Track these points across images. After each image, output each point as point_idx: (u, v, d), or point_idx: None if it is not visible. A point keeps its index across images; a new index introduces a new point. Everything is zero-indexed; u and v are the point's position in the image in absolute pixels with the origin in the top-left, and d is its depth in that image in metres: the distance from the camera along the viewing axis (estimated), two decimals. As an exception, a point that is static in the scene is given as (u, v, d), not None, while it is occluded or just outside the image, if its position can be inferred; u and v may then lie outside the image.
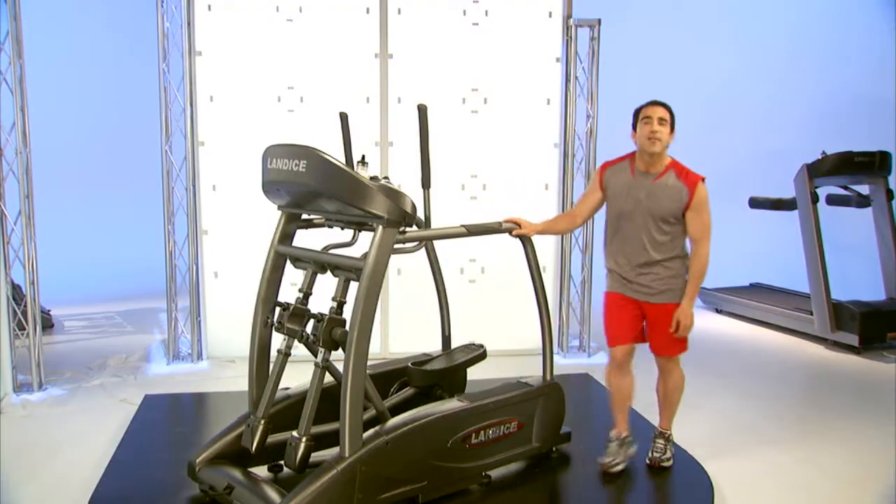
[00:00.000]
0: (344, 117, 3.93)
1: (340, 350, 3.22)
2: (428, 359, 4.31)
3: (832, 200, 7.24)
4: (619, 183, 3.92)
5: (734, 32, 10.16)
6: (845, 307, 6.56)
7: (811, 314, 6.83)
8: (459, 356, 4.36)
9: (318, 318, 3.30)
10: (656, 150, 3.78)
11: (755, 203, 7.69)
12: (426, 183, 3.46)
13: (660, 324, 3.93)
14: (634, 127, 3.88)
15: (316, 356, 3.33)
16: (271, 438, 3.44)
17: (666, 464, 4.04)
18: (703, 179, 3.82)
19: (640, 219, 3.84)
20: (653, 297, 3.89)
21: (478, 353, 4.36)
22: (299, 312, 3.41)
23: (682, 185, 3.78)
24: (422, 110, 3.44)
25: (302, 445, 3.22)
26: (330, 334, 3.24)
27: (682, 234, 3.86)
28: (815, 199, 6.78)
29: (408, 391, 4.16)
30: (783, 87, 9.98)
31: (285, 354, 3.45)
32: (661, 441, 4.10)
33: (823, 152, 6.69)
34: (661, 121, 3.78)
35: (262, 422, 3.38)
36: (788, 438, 4.56)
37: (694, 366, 6.00)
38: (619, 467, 3.94)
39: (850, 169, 6.64)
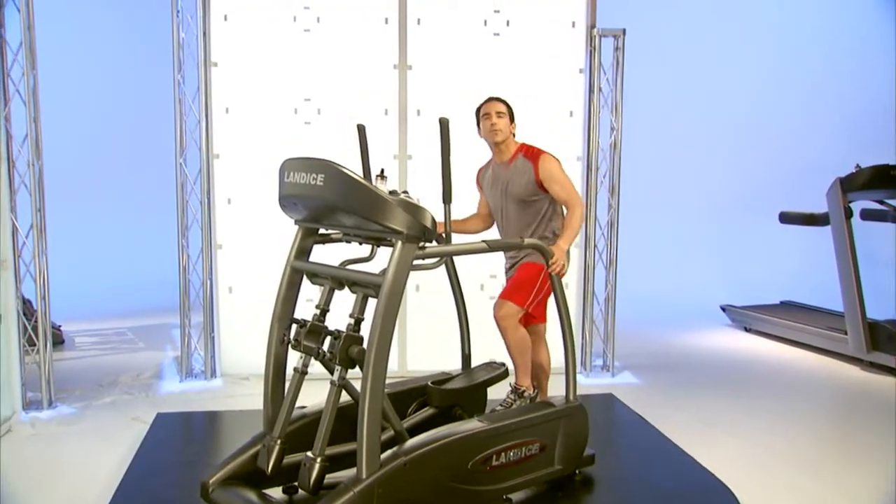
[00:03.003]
0: (361, 129, 3.97)
1: (358, 369, 3.23)
2: (447, 378, 4.32)
3: (867, 215, 7.19)
4: (487, 179, 4.47)
5: (762, 43, 10.16)
6: (882, 326, 6.50)
7: (845, 334, 6.77)
8: (480, 375, 4.36)
9: (335, 335, 3.31)
10: (499, 140, 4.31)
11: (786, 218, 7.65)
12: (447, 198, 3.48)
13: (516, 275, 4.30)
14: (478, 125, 4.41)
15: (332, 374, 3.34)
16: (286, 459, 3.45)
17: None
18: (549, 154, 4.27)
19: (506, 204, 4.33)
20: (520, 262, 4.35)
21: (499, 373, 4.37)
22: (316, 330, 3.42)
23: (527, 161, 4.26)
24: (444, 124, 3.47)
25: (316, 466, 3.22)
26: (347, 352, 3.25)
27: (548, 214, 4.29)
28: (848, 214, 6.73)
29: (426, 411, 4.17)
30: (815, 99, 9.96)
31: (302, 373, 3.46)
32: (513, 396, 4.34)
33: (857, 165, 6.65)
34: (499, 114, 4.31)
35: (279, 442, 3.38)
36: (821, 464, 4.51)
37: (722, 386, 6.02)
38: None
39: (885, 183, 6.59)
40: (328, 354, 3.32)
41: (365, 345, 3.19)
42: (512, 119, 4.35)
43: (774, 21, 10.15)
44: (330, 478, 3.28)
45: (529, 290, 4.20)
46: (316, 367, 3.47)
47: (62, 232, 6.27)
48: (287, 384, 3.54)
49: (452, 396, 4.16)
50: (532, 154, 4.28)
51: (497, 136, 4.30)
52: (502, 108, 4.33)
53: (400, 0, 5.83)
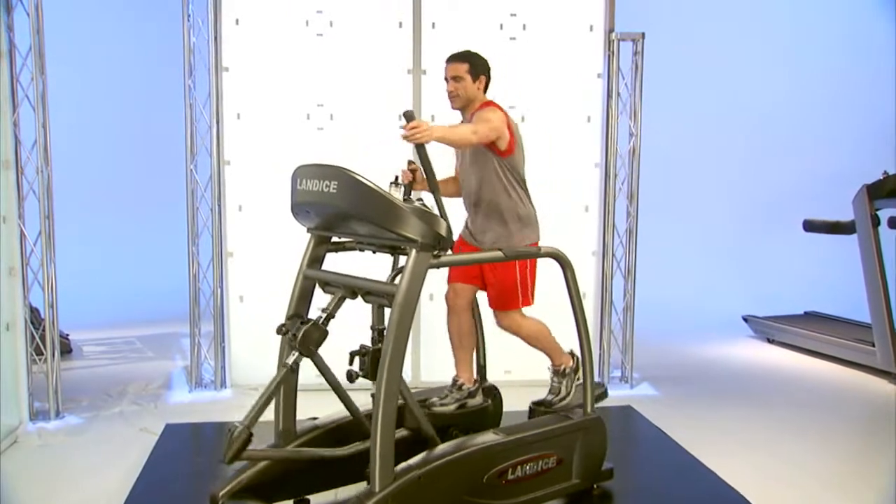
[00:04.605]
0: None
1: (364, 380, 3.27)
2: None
3: (895, 224, 7.14)
4: None
5: (785, 47, 10.13)
6: (910, 338, 6.46)
7: (872, 346, 6.72)
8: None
9: (363, 352, 3.35)
10: (457, 107, 4.19)
11: (811, 226, 7.61)
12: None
13: (488, 276, 4.19)
14: None
15: (351, 380, 3.41)
16: (297, 471, 3.46)
17: (561, 403, 4.20)
18: (497, 106, 4.13)
19: (466, 161, 4.20)
20: (477, 238, 4.23)
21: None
22: (317, 332, 3.39)
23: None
24: (408, 116, 3.53)
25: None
26: (377, 365, 3.28)
27: (502, 173, 4.11)
28: (875, 222, 6.69)
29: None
30: (840, 104, 9.91)
31: (291, 369, 3.38)
32: (556, 378, 4.29)
33: (885, 172, 6.61)
34: (457, 79, 4.12)
35: (245, 431, 3.17)
36: (845, 479, 4.48)
37: (744, 398, 6.00)
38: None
39: (914, 190, 6.56)
40: (358, 374, 3.37)
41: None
42: (477, 76, 4.12)
43: (797, 25, 10.12)
44: (342, 491, 3.30)
45: (514, 288, 4.16)
46: (306, 370, 3.47)
47: (70, 239, 6.31)
48: (297, 394, 3.57)
49: (445, 419, 4.17)
50: (482, 106, 4.13)
51: (454, 104, 4.18)
52: (458, 70, 4.12)
53: (414, 4, 5.86)
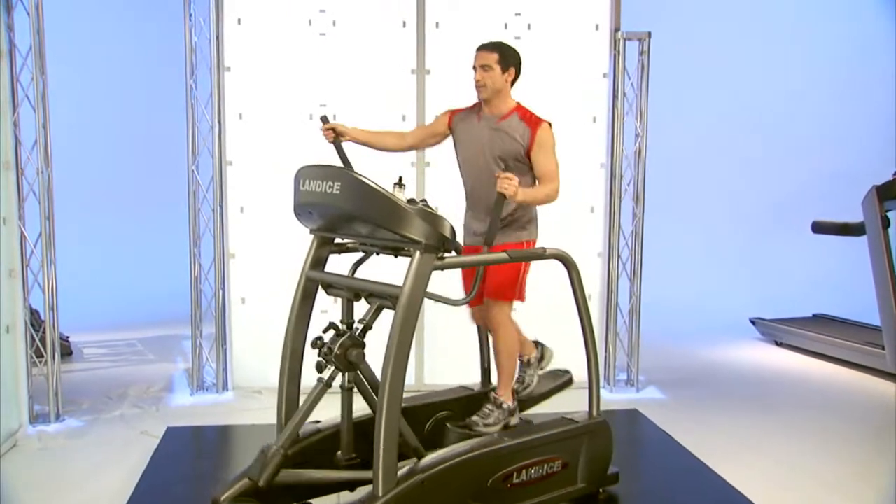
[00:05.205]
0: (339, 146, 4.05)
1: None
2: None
3: (904, 225, 7.14)
4: (465, 128, 4.23)
5: (792, 46, 10.11)
6: (920, 341, 6.45)
7: (882, 349, 6.71)
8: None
9: (340, 332, 3.34)
10: (484, 97, 4.12)
11: (819, 227, 7.60)
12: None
13: (496, 269, 4.07)
14: None
15: (321, 371, 3.39)
16: (301, 475, 3.46)
17: (484, 429, 4.04)
18: (549, 123, 4.10)
19: (482, 160, 4.11)
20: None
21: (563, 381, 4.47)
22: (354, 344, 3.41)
23: (525, 126, 4.05)
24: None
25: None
26: (346, 353, 3.28)
27: (526, 180, 4.02)
28: (885, 223, 6.67)
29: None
30: (849, 104, 9.90)
31: (348, 390, 3.49)
32: (490, 406, 4.14)
33: (895, 173, 6.61)
34: (485, 68, 4.06)
35: (282, 453, 3.30)
36: (854, 485, 4.46)
37: (752, 402, 5.99)
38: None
39: (924, 191, 6.55)
40: (326, 350, 3.34)
41: (366, 350, 3.27)
42: (507, 68, 4.06)
43: (803, 24, 10.11)
44: (345, 495, 3.30)
45: (515, 280, 4.07)
46: (307, 372, 3.49)
47: (71, 241, 6.31)
48: (301, 397, 3.56)
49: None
50: (532, 119, 4.07)
51: (481, 94, 4.10)
52: (489, 59, 4.04)
53: (418, 3, 5.86)
